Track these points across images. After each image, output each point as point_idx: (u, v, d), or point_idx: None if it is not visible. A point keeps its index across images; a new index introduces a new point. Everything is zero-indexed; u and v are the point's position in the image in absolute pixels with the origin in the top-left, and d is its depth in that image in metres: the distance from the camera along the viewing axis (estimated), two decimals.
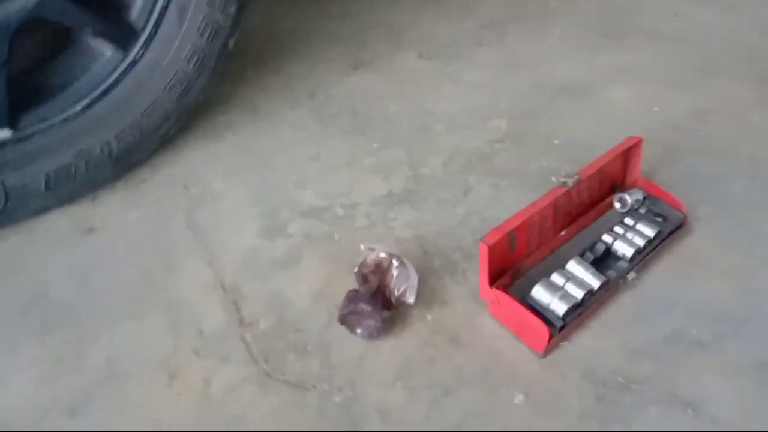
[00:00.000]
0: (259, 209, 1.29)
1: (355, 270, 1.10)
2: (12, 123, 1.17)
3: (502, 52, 1.80)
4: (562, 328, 1.03)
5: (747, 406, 0.97)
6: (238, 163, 1.40)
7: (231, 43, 1.35)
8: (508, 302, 1.04)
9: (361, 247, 1.13)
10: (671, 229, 1.19)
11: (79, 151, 1.23)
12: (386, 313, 1.05)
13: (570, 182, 1.11)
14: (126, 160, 1.31)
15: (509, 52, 1.80)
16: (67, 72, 1.26)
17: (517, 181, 1.36)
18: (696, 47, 1.80)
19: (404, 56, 1.77)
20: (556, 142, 1.47)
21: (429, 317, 1.10)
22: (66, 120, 1.22)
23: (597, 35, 1.86)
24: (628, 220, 1.20)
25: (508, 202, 1.30)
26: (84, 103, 1.23)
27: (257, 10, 1.42)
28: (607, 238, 1.17)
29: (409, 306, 1.09)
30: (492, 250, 1.02)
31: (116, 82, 1.25)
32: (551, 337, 1.00)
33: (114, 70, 1.25)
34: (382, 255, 1.10)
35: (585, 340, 1.07)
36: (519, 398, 0.99)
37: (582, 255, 1.13)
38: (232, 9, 1.31)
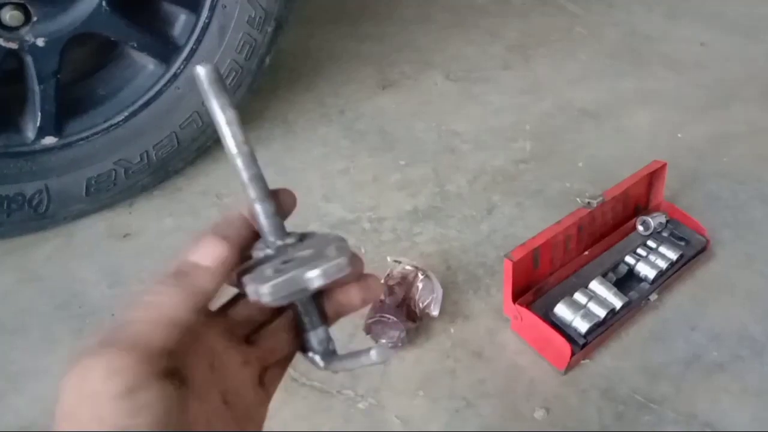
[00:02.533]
0: (289, 221, 1.31)
1: (381, 281, 1.13)
2: (58, 130, 1.22)
3: (527, 75, 1.84)
4: (584, 345, 1.05)
5: (766, 428, 0.98)
6: (270, 176, 1.42)
7: (267, 60, 1.40)
8: (530, 318, 1.06)
9: (388, 259, 1.16)
10: (693, 252, 1.21)
11: (120, 159, 1.28)
12: (410, 325, 1.08)
13: (594, 203, 1.14)
14: (163, 169, 1.36)
15: (534, 75, 1.84)
16: (112, 83, 1.31)
17: (541, 201, 1.39)
18: (719, 75, 1.82)
19: (431, 77, 1.81)
20: (580, 164, 1.50)
21: (452, 330, 1.13)
22: (108, 129, 1.27)
23: (622, 61, 1.89)
24: (651, 243, 1.22)
25: (532, 221, 1.32)
26: (126, 113, 1.28)
27: (290, 29, 1.46)
28: (629, 259, 1.19)
29: (433, 318, 1.12)
30: (516, 266, 1.04)
31: (157, 94, 1.30)
32: (573, 354, 1.02)
33: (156, 83, 1.29)
34: (408, 268, 1.13)
35: (606, 359, 1.09)
36: (539, 413, 1.01)
37: (605, 275, 1.15)
38: (270, 28, 1.36)
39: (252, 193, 0.47)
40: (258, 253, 0.48)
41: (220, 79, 0.46)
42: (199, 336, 0.44)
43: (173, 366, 0.39)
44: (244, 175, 0.47)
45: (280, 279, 0.43)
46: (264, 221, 0.47)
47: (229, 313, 0.49)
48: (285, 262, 0.46)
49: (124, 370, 0.36)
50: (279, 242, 0.47)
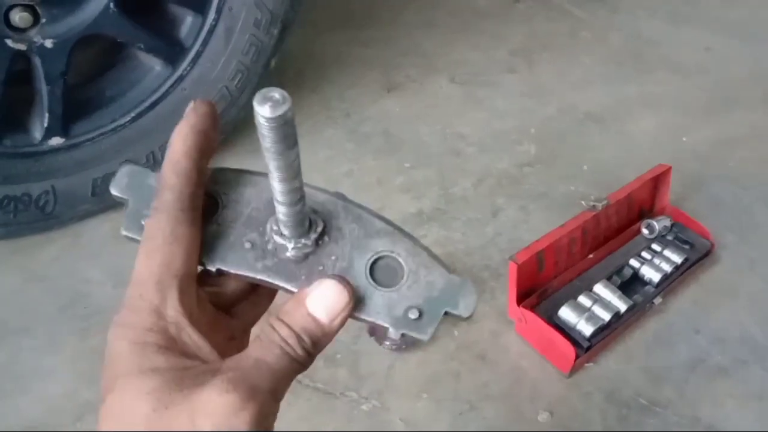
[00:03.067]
0: None
1: None
2: (65, 131, 1.23)
3: (532, 79, 1.84)
4: (588, 348, 1.05)
5: None
6: None
7: (273, 62, 1.41)
8: (535, 321, 1.06)
9: None
10: (698, 256, 1.21)
11: (126, 160, 1.28)
12: None
13: (599, 206, 1.14)
14: None
15: (539, 79, 1.84)
16: (118, 85, 1.31)
17: (546, 204, 1.39)
18: (723, 79, 1.82)
19: (436, 81, 1.82)
20: (585, 167, 1.50)
21: (456, 333, 1.13)
22: (115, 130, 1.27)
23: (626, 65, 1.89)
24: (656, 246, 1.22)
25: (536, 224, 1.32)
26: (132, 114, 1.29)
27: (296, 32, 1.47)
28: (634, 262, 1.19)
29: None
30: (521, 268, 1.04)
31: (164, 95, 1.30)
32: (577, 357, 1.02)
33: (162, 84, 1.30)
34: None
35: (610, 362, 1.09)
36: (543, 416, 1.01)
37: (609, 278, 1.15)
38: (276, 30, 1.36)
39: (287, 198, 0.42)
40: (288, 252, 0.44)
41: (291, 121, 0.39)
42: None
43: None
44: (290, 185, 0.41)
45: (433, 326, 0.44)
46: (290, 223, 0.44)
47: (213, 288, 0.47)
48: (371, 274, 0.44)
49: (257, 412, 0.38)
50: (304, 240, 0.44)
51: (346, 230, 0.46)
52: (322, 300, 0.42)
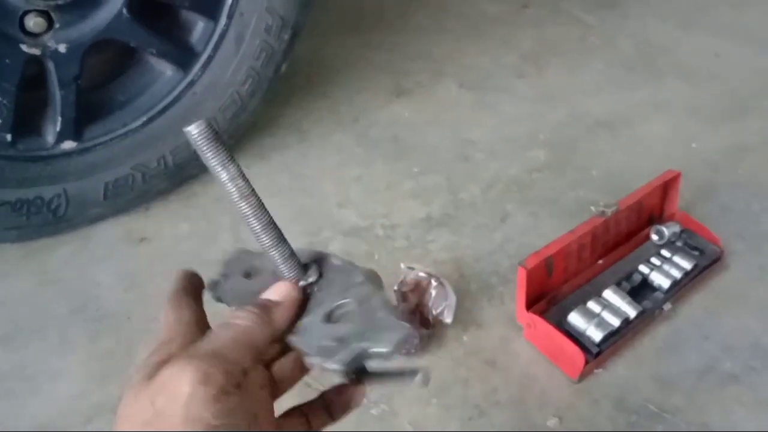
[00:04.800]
0: (303, 227, 1.34)
1: (395, 287, 1.13)
2: (77, 135, 1.24)
3: (541, 84, 1.84)
4: (597, 354, 1.04)
5: None
6: (284, 182, 1.45)
7: (283, 67, 1.42)
8: (544, 327, 1.06)
9: (402, 265, 1.16)
10: (707, 262, 1.21)
11: (137, 164, 1.30)
12: (424, 331, 1.09)
13: (609, 212, 1.14)
14: (180, 174, 1.38)
15: (548, 84, 1.84)
16: (130, 89, 1.32)
17: (555, 210, 1.39)
18: (733, 85, 1.82)
19: (445, 86, 1.82)
20: (594, 173, 1.50)
21: (465, 338, 1.13)
22: (126, 134, 1.28)
23: (636, 72, 1.89)
24: (665, 252, 1.21)
25: (545, 230, 1.32)
26: (144, 118, 1.30)
27: (306, 38, 1.47)
28: (643, 268, 1.19)
29: (445, 326, 1.12)
30: (530, 273, 1.04)
31: (175, 100, 1.31)
32: (586, 363, 1.02)
33: (173, 89, 1.31)
34: (422, 275, 1.13)
35: (619, 369, 1.08)
36: (552, 422, 1.01)
37: (619, 284, 1.15)
38: (286, 35, 1.37)
39: (266, 240, 0.50)
40: None
41: (214, 135, 0.46)
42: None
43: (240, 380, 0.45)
44: (256, 225, 0.49)
45: (347, 356, 0.47)
46: (283, 265, 0.51)
47: None
48: (328, 317, 0.50)
49: (213, 377, 0.42)
50: (302, 282, 0.52)
51: (332, 279, 0.53)
52: (274, 289, 0.52)
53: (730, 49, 1.99)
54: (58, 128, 1.21)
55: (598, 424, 1.01)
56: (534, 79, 1.86)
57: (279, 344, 0.53)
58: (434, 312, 1.11)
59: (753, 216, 1.38)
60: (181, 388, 0.41)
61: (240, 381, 0.44)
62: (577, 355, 1.02)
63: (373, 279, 0.53)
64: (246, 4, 1.30)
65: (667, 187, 1.26)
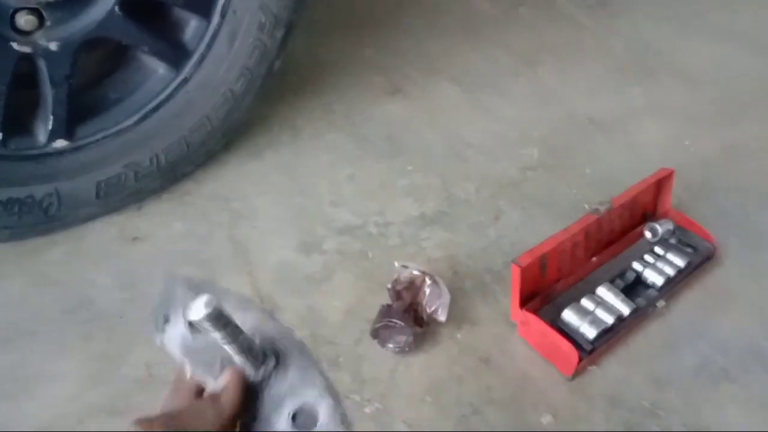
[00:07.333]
0: (297, 226, 1.33)
1: (389, 286, 1.13)
2: (69, 134, 1.23)
3: (536, 84, 1.84)
4: (591, 351, 1.05)
5: None
6: (278, 181, 1.45)
7: (277, 65, 1.41)
8: (538, 324, 1.06)
9: (396, 264, 1.16)
10: (701, 260, 1.21)
11: (130, 163, 1.29)
12: (418, 330, 1.08)
13: (602, 209, 1.14)
14: (172, 173, 1.37)
15: (543, 84, 1.84)
16: (122, 87, 1.31)
17: (548, 208, 1.39)
18: (729, 89, 1.82)
19: (440, 84, 1.82)
20: (588, 171, 1.50)
21: (459, 336, 1.13)
22: (119, 133, 1.27)
23: (631, 74, 1.89)
24: (659, 250, 1.22)
25: (539, 227, 1.32)
26: (136, 117, 1.29)
27: (299, 36, 1.47)
28: (637, 266, 1.19)
29: (439, 324, 1.12)
30: (524, 271, 1.04)
31: (168, 98, 1.30)
32: (580, 360, 1.02)
33: (166, 87, 1.30)
34: (416, 273, 1.13)
35: (613, 366, 1.09)
36: (546, 419, 1.01)
37: (612, 282, 1.15)
38: (280, 34, 1.36)
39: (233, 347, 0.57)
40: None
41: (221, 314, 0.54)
42: None
43: None
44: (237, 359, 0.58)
45: None
46: (238, 357, 0.57)
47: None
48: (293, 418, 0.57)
49: None
50: (260, 372, 0.59)
51: (290, 371, 0.59)
52: (221, 379, 0.59)
53: (726, 52, 1.99)
54: (49, 127, 1.20)
55: (593, 421, 1.01)
56: (528, 78, 1.86)
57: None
58: (428, 310, 1.10)
59: (746, 214, 1.39)
60: None
61: None
62: (571, 352, 1.02)
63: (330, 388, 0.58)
64: (239, 2, 1.29)
65: (660, 184, 1.27)
